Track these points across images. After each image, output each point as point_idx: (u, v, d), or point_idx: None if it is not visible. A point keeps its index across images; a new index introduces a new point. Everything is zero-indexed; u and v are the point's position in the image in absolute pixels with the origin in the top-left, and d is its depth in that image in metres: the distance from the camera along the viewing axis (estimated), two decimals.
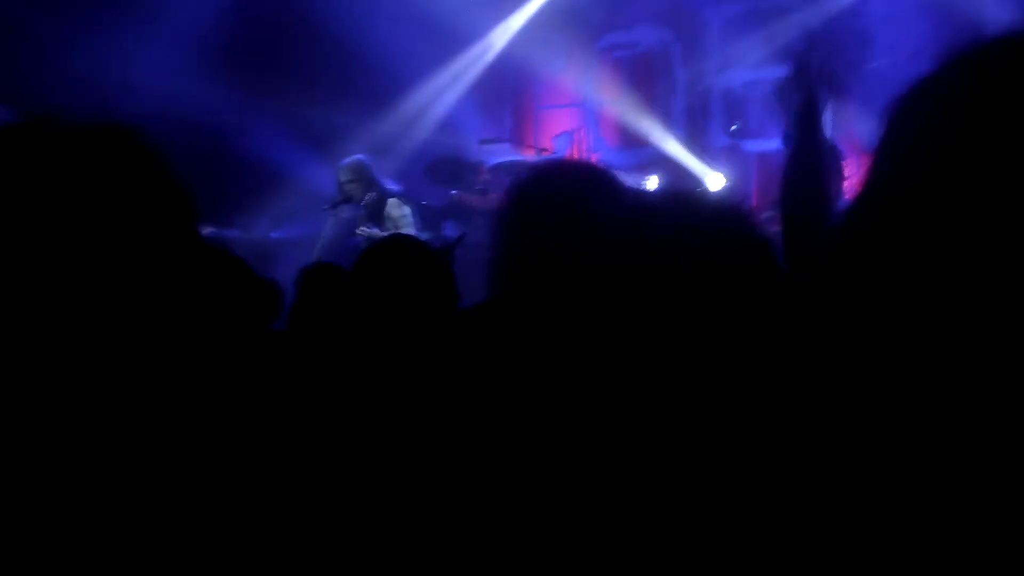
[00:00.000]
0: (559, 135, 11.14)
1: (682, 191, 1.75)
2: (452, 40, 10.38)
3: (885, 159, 1.17)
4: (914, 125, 1.14)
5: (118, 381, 1.06)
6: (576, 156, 10.85)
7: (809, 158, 2.41)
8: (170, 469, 1.06)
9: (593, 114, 11.07)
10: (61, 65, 7.17)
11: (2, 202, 1.06)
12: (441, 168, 9.39)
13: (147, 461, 1.05)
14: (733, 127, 9.99)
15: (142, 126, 1.21)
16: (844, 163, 7.17)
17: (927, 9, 7.80)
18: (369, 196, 6.94)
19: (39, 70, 5.78)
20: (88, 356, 1.05)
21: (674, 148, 10.11)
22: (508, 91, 11.51)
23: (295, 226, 7.84)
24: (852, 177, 7.95)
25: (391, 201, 6.95)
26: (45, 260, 1.05)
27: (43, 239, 1.05)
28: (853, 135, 6.75)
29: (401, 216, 6.90)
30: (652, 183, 9.41)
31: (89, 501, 1.02)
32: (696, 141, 10.19)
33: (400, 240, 3.05)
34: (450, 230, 8.40)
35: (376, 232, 6.74)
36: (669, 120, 10.44)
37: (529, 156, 9.97)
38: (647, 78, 10.67)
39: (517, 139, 11.05)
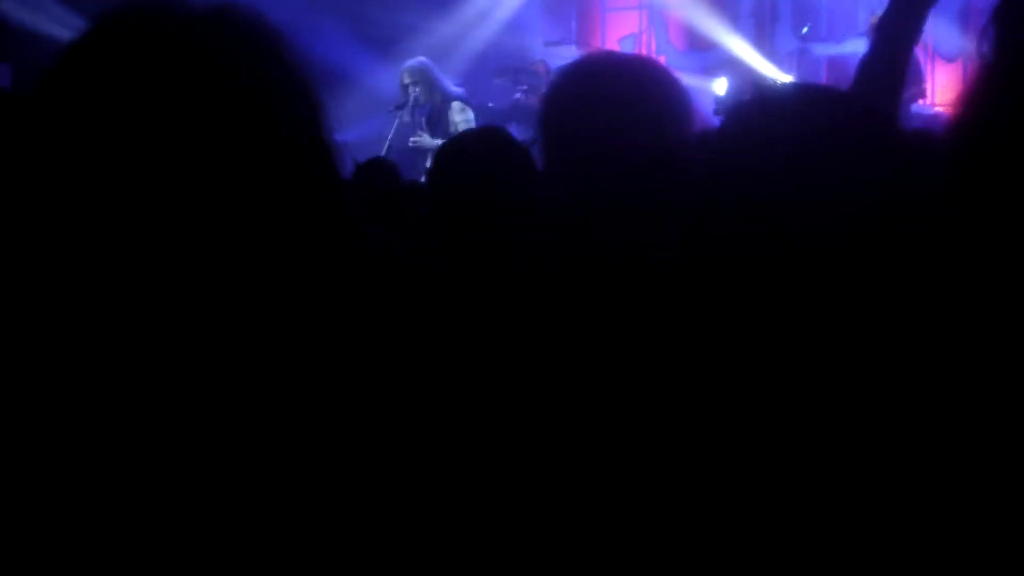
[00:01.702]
0: (625, 37, 10.97)
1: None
2: None
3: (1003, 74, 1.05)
4: None
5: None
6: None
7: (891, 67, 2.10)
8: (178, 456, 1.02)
9: (659, 16, 10.87)
10: None
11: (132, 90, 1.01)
12: (506, 70, 9.31)
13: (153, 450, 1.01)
14: (804, 29, 9.77)
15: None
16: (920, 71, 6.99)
17: None
18: (431, 99, 6.92)
19: None
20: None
21: (742, 50, 9.91)
22: None
23: (360, 128, 7.85)
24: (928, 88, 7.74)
25: (454, 105, 6.93)
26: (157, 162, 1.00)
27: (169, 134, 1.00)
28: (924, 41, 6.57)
29: (464, 120, 6.87)
30: (720, 86, 9.27)
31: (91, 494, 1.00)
32: (764, 44, 9.98)
33: (481, 134, 2.91)
34: (515, 132, 8.36)
35: (428, 140, 6.73)
36: (736, 22, 10.22)
37: None
38: None
39: (583, 41, 10.90)
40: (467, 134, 2.76)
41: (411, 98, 6.93)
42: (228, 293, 1.03)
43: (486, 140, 2.61)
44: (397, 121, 7.12)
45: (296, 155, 1.07)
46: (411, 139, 6.88)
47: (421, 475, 1.13)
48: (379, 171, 4.20)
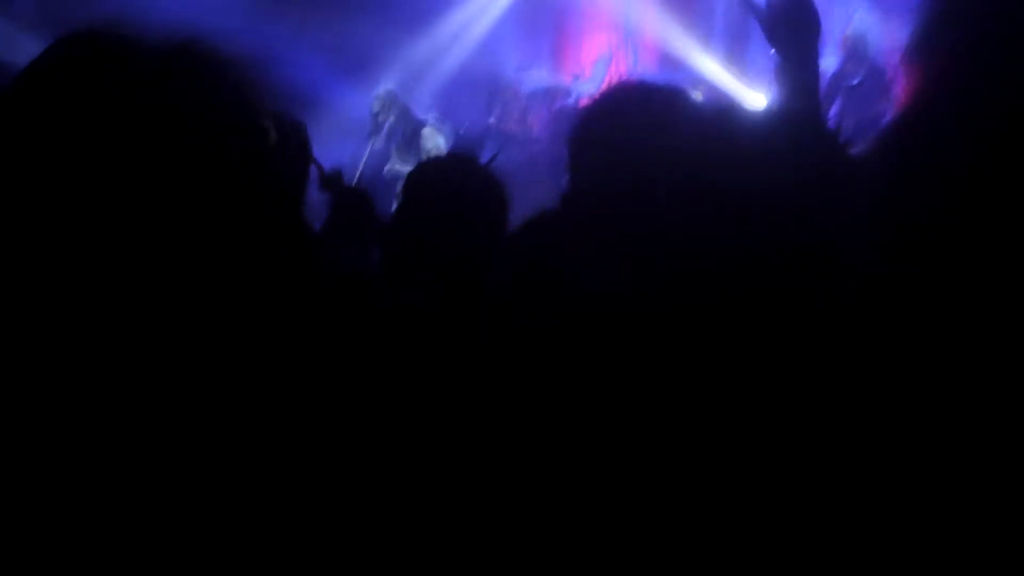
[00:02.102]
0: (597, 59, 11.00)
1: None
2: None
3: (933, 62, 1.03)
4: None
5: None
6: (614, 80, 10.73)
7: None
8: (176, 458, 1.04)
9: (632, 36, 10.91)
10: None
11: (80, 118, 1.01)
12: (479, 93, 9.31)
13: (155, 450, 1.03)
14: (773, 51, 9.80)
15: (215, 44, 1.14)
16: (890, 81, 7.01)
17: None
18: (402, 125, 6.92)
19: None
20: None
21: (714, 70, 9.95)
22: (546, 14, 11.35)
23: (333, 153, 7.82)
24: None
25: (425, 131, 6.93)
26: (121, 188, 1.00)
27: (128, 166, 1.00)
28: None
29: (435, 147, 6.87)
30: None
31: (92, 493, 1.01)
32: (736, 62, 10.03)
33: (446, 161, 2.94)
34: (488, 155, 8.36)
35: (401, 168, 6.72)
36: (709, 41, 10.27)
37: (567, 81, 9.86)
38: None
39: (555, 64, 10.93)
40: (433, 162, 2.75)
41: (382, 125, 6.93)
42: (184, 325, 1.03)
43: (453, 167, 2.60)
44: (369, 148, 7.11)
45: (243, 194, 1.07)
46: (385, 168, 6.86)
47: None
48: (353, 198, 4.16)
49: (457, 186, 2.47)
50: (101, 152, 0.99)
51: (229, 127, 1.09)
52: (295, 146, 2.63)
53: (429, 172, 2.66)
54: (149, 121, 1.02)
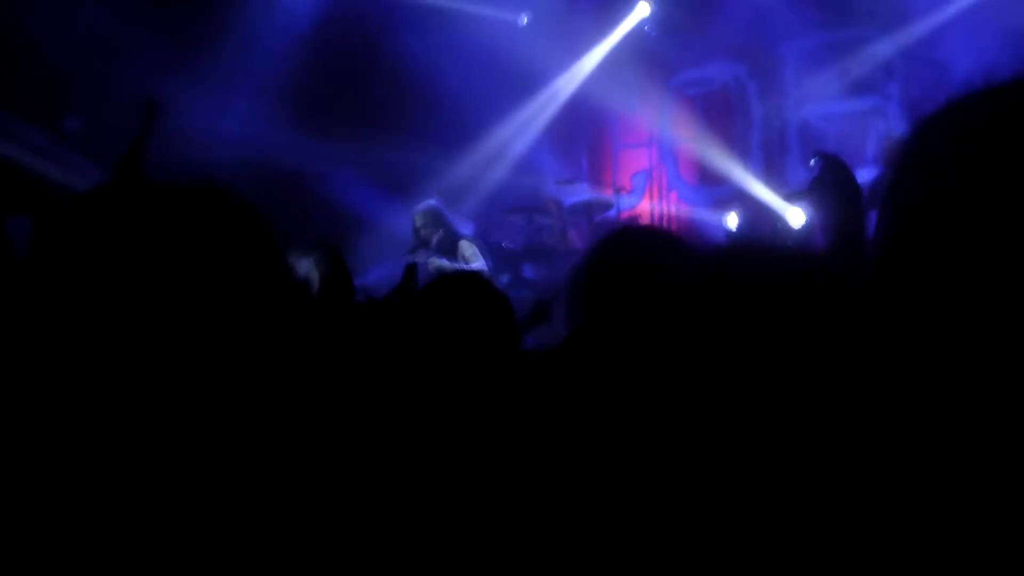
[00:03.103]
0: (636, 173, 11.15)
1: (755, 242, 1.69)
2: (527, 81, 10.49)
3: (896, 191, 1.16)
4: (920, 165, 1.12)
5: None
6: (654, 194, 10.84)
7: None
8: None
9: (670, 152, 11.07)
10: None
11: (110, 258, 1.15)
12: (519, 209, 9.43)
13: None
14: (812, 161, 9.89)
15: (234, 184, 1.28)
16: None
17: (1009, 39, 7.68)
18: (442, 239, 7.01)
19: (130, 121, 6.03)
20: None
21: (752, 184, 10.04)
22: (584, 131, 11.57)
23: (378, 270, 7.93)
24: None
25: (463, 243, 7.02)
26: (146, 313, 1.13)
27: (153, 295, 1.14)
28: None
29: (474, 255, 6.95)
30: (731, 220, 9.35)
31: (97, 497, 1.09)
32: (774, 176, 10.11)
33: (464, 275, 3.05)
34: (529, 271, 8.43)
35: (446, 263, 6.81)
36: (746, 156, 10.39)
37: (607, 195, 9.98)
38: (722, 114, 10.64)
39: (594, 178, 11.08)
40: (446, 280, 2.85)
41: (423, 240, 7.03)
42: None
43: (465, 286, 2.71)
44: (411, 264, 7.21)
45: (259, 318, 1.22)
46: (429, 260, 6.94)
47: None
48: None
49: (468, 310, 2.60)
50: (132, 291, 1.15)
51: (249, 267, 1.24)
52: (329, 276, 2.74)
53: (444, 291, 2.77)
54: (176, 260, 1.18)
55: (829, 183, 2.41)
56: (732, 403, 1.27)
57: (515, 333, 2.75)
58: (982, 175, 1.01)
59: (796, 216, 9.38)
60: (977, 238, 1.00)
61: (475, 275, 2.97)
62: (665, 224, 10.16)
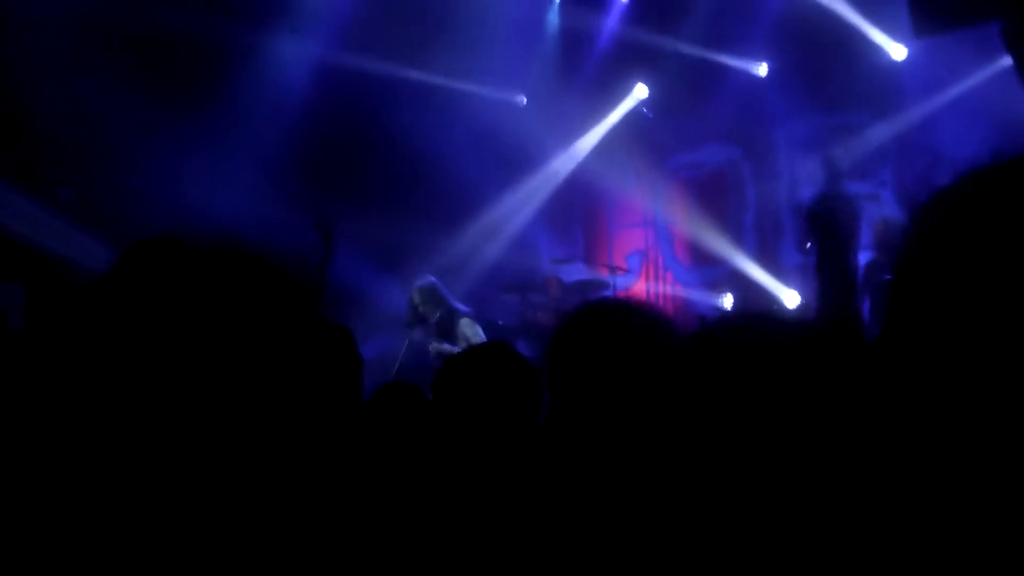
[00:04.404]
0: (632, 253, 11.19)
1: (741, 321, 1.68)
2: (524, 160, 10.58)
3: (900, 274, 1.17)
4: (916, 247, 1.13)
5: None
6: (650, 275, 10.87)
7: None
8: None
9: (665, 233, 11.12)
10: (152, 191, 7.48)
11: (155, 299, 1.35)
12: (515, 287, 9.45)
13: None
14: (808, 244, 9.92)
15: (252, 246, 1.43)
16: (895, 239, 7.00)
17: (1001, 127, 7.76)
18: (441, 316, 7.02)
19: (136, 196, 6.12)
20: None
21: (747, 265, 10.08)
22: (579, 211, 11.63)
23: (372, 345, 7.92)
24: None
25: (463, 320, 7.03)
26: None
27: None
28: None
29: (474, 334, 6.95)
30: (726, 301, 9.37)
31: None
32: (769, 258, 10.15)
33: (488, 348, 2.99)
34: (523, 349, 8.41)
35: (447, 348, 6.79)
36: (741, 237, 10.44)
37: (603, 274, 10.01)
38: (717, 196, 10.72)
39: (590, 258, 11.12)
40: (474, 349, 2.81)
41: (421, 317, 7.04)
42: None
43: (492, 354, 2.65)
44: (408, 339, 7.21)
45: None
46: (431, 345, 6.94)
47: None
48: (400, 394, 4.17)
49: (495, 375, 2.55)
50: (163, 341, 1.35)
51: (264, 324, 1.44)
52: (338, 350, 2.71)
53: (470, 358, 2.71)
54: (200, 313, 1.36)
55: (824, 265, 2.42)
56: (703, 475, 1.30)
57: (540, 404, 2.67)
58: (976, 252, 1.03)
59: (790, 299, 9.41)
60: (980, 316, 1.02)
61: (500, 346, 2.90)
62: (660, 304, 10.16)
